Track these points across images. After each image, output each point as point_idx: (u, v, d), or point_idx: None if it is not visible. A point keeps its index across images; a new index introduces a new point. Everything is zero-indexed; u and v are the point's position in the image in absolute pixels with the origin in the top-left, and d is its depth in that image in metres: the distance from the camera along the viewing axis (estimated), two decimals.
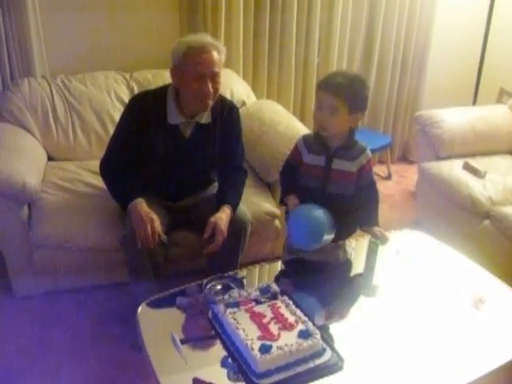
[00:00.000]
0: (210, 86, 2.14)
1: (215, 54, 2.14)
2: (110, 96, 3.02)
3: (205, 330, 1.69)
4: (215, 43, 2.17)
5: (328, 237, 1.93)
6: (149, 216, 2.11)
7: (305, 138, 2.09)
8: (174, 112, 2.24)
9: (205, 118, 2.29)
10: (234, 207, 2.27)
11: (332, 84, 1.94)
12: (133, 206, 2.16)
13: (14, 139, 2.69)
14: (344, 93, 1.90)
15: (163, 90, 2.29)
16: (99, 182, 2.56)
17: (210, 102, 2.21)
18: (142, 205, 2.16)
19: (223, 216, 2.19)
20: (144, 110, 2.24)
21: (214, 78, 2.16)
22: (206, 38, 2.18)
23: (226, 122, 2.34)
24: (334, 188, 2.01)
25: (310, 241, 1.93)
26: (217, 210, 2.23)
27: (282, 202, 2.11)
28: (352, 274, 2.11)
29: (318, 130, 2.03)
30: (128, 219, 2.19)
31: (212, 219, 2.16)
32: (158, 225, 2.13)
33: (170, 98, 2.24)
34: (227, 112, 2.35)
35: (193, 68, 2.11)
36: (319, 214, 1.91)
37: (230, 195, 2.31)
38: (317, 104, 1.98)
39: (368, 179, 2.05)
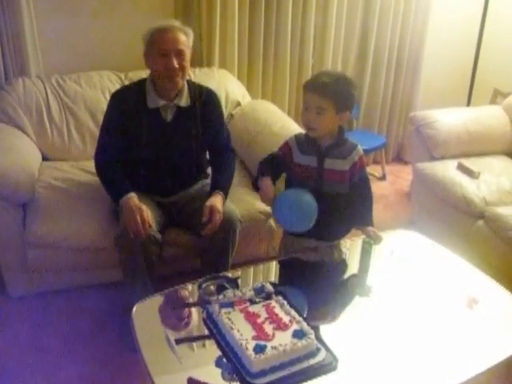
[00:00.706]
0: (175, 61, 2.22)
1: (181, 35, 2.25)
2: (104, 96, 3.00)
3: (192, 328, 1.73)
4: (182, 27, 2.28)
5: (314, 218, 1.92)
6: (138, 206, 2.16)
7: (297, 138, 2.08)
8: (153, 96, 2.31)
9: (184, 101, 2.35)
10: (226, 191, 2.34)
11: (317, 84, 1.95)
12: (124, 201, 2.20)
13: (8, 139, 2.68)
14: (330, 92, 1.91)
15: (142, 80, 2.39)
16: (94, 181, 2.56)
17: (179, 80, 2.29)
18: (132, 199, 2.20)
19: (217, 200, 2.26)
20: (125, 99, 2.33)
21: (180, 54, 2.25)
22: (174, 22, 2.29)
23: (205, 104, 2.41)
24: (328, 188, 2.01)
25: (302, 224, 1.93)
26: (209, 195, 2.29)
27: (255, 185, 2.08)
28: (346, 274, 2.12)
29: (306, 133, 2.04)
30: (121, 216, 2.20)
31: (207, 203, 2.23)
32: (147, 214, 2.16)
33: (149, 85, 2.33)
34: (205, 95, 2.42)
35: (158, 46, 2.23)
36: (308, 197, 1.92)
37: (221, 181, 2.38)
38: (304, 105, 1.99)
39: (360, 175, 2.05)
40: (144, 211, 2.16)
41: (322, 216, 1.99)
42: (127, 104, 2.31)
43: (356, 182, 2.04)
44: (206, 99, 2.41)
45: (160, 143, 2.34)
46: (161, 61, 2.22)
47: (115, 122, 2.33)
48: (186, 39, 2.27)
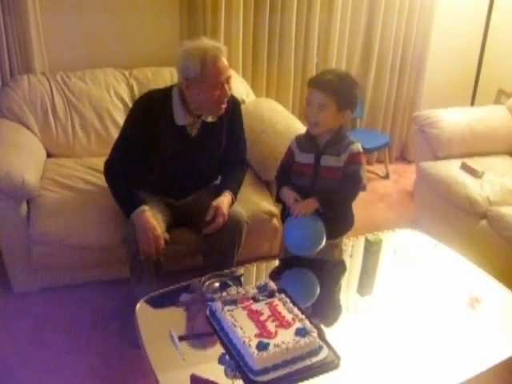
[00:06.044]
0: (227, 89, 2.21)
1: (224, 59, 2.19)
2: (109, 93, 3.02)
3: (182, 316, 1.75)
4: (218, 46, 2.21)
5: (322, 245, 1.98)
6: (154, 234, 2.12)
7: (297, 138, 2.14)
8: (181, 113, 2.27)
9: (211, 117, 2.32)
10: (235, 193, 2.34)
11: (320, 81, 1.99)
12: (137, 217, 2.16)
13: (13, 136, 2.69)
14: (331, 89, 1.95)
15: (167, 91, 2.31)
16: (98, 179, 2.57)
17: (226, 104, 2.26)
18: (146, 215, 2.16)
19: (224, 200, 2.26)
20: (150, 112, 2.25)
21: (229, 80, 2.22)
22: (209, 44, 2.19)
23: (231, 119, 2.39)
24: (322, 185, 2.03)
25: (307, 250, 1.99)
26: (218, 195, 2.28)
27: (278, 200, 2.14)
28: (349, 272, 2.12)
29: (308, 129, 2.07)
30: (131, 223, 2.17)
31: (214, 203, 2.22)
32: (162, 242, 2.15)
33: (176, 100, 2.26)
34: (231, 109, 2.38)
35: (213, 79, 2.16)
36: (316, 225, 1.96)
37: (231, 182, 2.38)
38: (306, 101, 2.02)
39: (351, 171, 2.00)
40: (159, 239, 2.13)
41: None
42: (152, 119, 2.24)
43: (346, 175, 2.02)
44: (232, 113, 2.37)
45: (181, 157, 2.32)
46: (215, 92, 2.16)
47: (137, 136, 2.26)
48: (226, 60, 2.20)
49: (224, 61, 2.18)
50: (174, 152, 2.30)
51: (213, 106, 2.23)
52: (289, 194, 2.04)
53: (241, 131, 2.47)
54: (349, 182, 2.01)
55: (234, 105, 2.41)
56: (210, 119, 2.32)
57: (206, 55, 2.14)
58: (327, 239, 2.10)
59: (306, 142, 2.09)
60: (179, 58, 2.19)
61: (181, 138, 2.30)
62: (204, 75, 2.14)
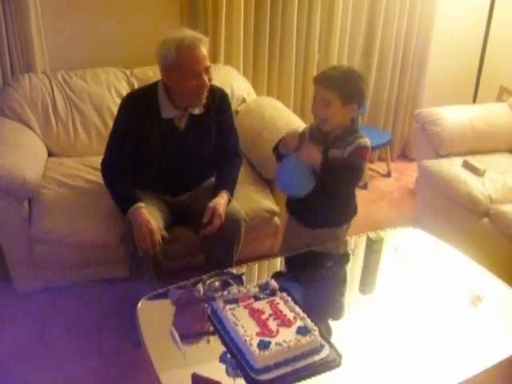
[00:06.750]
0: (206, 79, 2.20)
1: (203, 48, 2.19)
2: (110, 92, 3.02)
3: (197, 324, 1.72)
4: (198, 36, 2.21)
5: (310, 186, 1.96)
6: (149, 227, 2.13)
7: (311, 127, 2.14)
8: (167, 106, 2.28)
9: (197, 109, 2.33)
10: (231, 191, 2.34)
11: (324, 77, 2.00)
12: (133, 213, 2.17)
13: (14, 135, 2.69)
14: (335, 85, 1.95)
15: (153, 86, 2.33)
16: (99, 178, 2.56)
17: (205, 94, 2.26)
18: (141, 211, 2.17)
19: (221, 201, 2.25)
20: (137, 107, 2.28)
21: (208, 70, 2.22)
22: (188, 34, 2.20)
23: (218, 110, 2.39)
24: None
25: (296, 190, 1.98)
26: (214, 195, 2.28)
27: (275, 149, 2.11)
28: (351, 270, 2.12)
29: (317, 124, 2.06)
30: (128, 221, 2.19)
31: (210, 204, 2.22)
32: (157, 235, 2.15)
33: (162, 94, 2.28)
34: (219, 100, 2.39)
35: (188, 68, 2.16)
36: (304, 168, 1.95)
37: (227, 181, 2.38)
38: (313, 98, 2.03)
39: (352, 161, 1.98)
40: (154, 232, 2.13)
41: (321, 204, 2.01)
42: (139, 114, 2.26)
43: (344, 163, 1.99)
44: (219, 105, 2.39)
45: (172, 151, 2.33)
46: (192, 81, 2.17)
47: (126, 133, 2.29)
48: (206, 50, 2.20)
49: (203, 50, 2.18)
50: (164, 146, 2.31)
51: (191, 95, 2.23)
52: (292, 135, 2.02)
53: (231, 123, 2.48)
54: (344, 168, 1.98)
55: (222, 96, 2.42)
56: (196, 111, 2.33)
57: (182, 43, 2.14)
58: (330, 226, 2.12)
59: (316, 133, 2.08)
60: (157, 47, 2.20)
61: (170, 132, 2.31)
62: (180, 63, 2.15)
